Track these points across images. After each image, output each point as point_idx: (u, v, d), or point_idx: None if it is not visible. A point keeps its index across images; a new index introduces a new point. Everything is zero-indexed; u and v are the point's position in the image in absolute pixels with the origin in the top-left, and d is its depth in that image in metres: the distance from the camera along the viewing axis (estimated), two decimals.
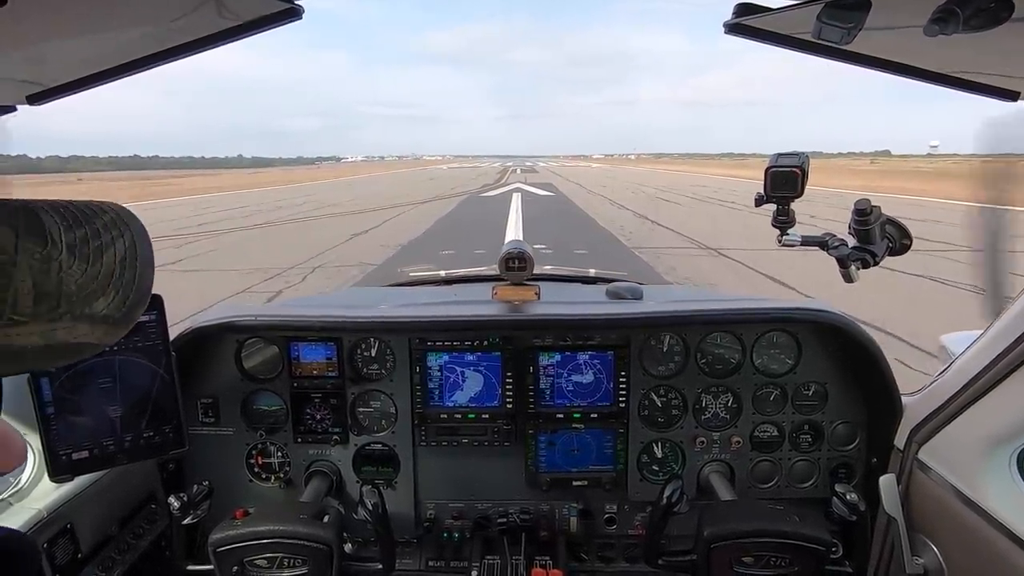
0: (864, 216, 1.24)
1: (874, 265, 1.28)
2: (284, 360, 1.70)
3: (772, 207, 1.32)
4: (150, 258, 0.43)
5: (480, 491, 1.77)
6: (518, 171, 67.95)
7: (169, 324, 1.26)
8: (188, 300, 5.99)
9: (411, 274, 2.49)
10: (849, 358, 1.66)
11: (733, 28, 0.82)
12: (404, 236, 14.55)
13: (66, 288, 0.36)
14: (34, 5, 0.67)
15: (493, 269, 1.90)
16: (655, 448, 1.73)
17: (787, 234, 1.34)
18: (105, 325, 0.39)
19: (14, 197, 0.38)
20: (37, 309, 0.35)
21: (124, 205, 0.46)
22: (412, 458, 1.75)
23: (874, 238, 1.26)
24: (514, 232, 15.11)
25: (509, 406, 1.70)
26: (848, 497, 1.46)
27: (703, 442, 1.71)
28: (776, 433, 1.72)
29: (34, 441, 1.18)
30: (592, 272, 2.36)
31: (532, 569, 1.62)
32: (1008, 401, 1.24)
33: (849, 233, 1.29)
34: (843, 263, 1.29)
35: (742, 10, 0.77)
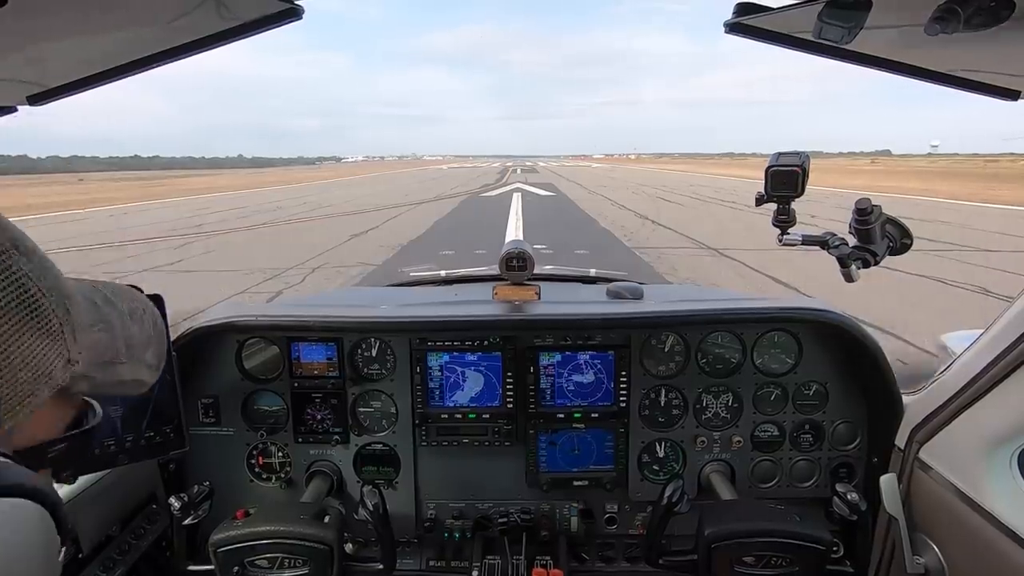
0: (865, 215, 1.24)
1: (874, 265, 1.28)
2: (285, 360, 1.70)
3: (772, 206, 1.32)
4: (165, 329, 0.62)
5: (481, 491, 1.77)
6: (518, 171, 67.95)
7: (169, 324, 1.26)
8: (188, 300, 5.99)
9: (411, 274, 2.49)
10: (850, 357, 1.66)
11: (733, 28, 0.82)
12: (404, 236, 14.55)
13: (135, 341, 0.54)
14: (34, 5, 0.67)
15: (493, 269, 1.90)
16: (656, 448, 1.73)
17: (788, 233, 1.34)
18: (151, 369, 0.57)
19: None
20: (129, 354, 0.52)
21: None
22: (413, 458, 1.75)
23: (875, 237, 1.26)
24: (514, 232, 15.11)
25: (510, 406, 1.70)
26: (849, 497, 1.46)
27: (704, 442, 1.71)
28: (777, 433, 1.72)
29: None
30: (592, 272, 2.36)
31: (533, 569, 1.62)
32: (1009, 400, 1.24)
33: (849, 232, 1.29)
34: (843, 263, 1.29)
35: (742, 10, 0.77)
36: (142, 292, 0.63)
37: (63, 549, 0.40)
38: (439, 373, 1.69)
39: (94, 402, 0.53)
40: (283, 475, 1.76)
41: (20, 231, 0.41)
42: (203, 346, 1.67)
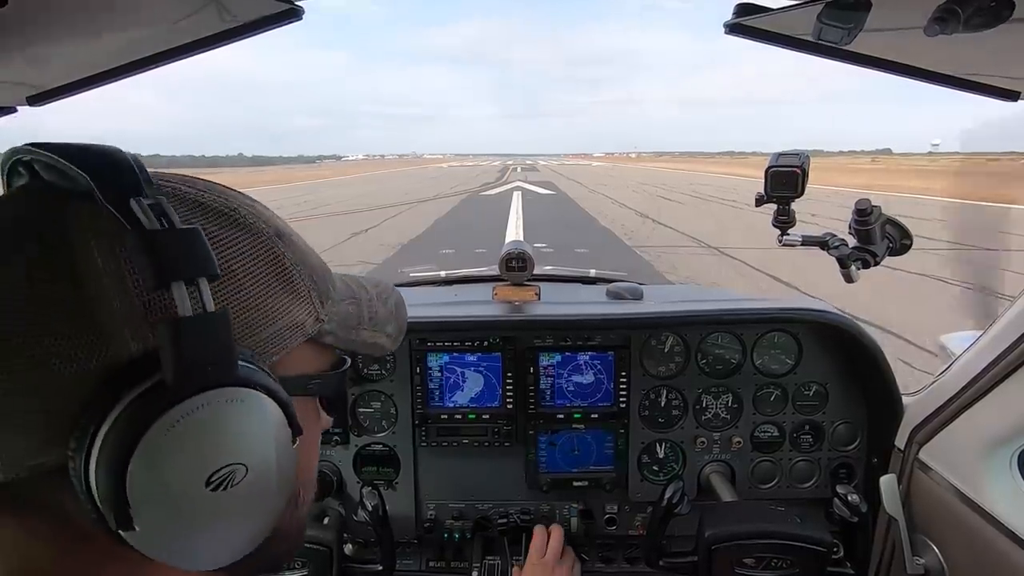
0: (864, 216, 1.24)
1: (874, 265, 1.28)
2: None
3: (772, 206, 1.32)
4: (405, 310, 0.74)
5: (480, 492, 1.77)
6: (519, 169, 67.94)
7: None
8: None
9: (411, 274, 2.48)
10: (849, 358, 1.66)
11: (733, 28, 0.82)
12: (404, 236, 14.55)
13: (377, 316, 0.67)
14: (34, 6, 0.67)
15: (493, 269, 1.90)
16: (656, 448, 1.73)
17: (787, 234, 1.34)
18: (391, 338, 0.70)
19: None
20: (370, 324, 0.66)
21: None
22: (412, 459, 1.75)
23: (874, 238, 1.26)
24: (515, 232, 15.11)
25: (509, 406, 1.70)
26: (850, 498, 1.45)
27: (704, 442, 1.71)
28: (777, 433, 1.72)
29: None
30: (592, 272, 2.35)
31: (535, 529, 1.63)
32: (1009, 401, 1.24)
33: (849, 233, 1.29)
34: (843, 263, 1.29)
35: (742, 10, 0.76)
36: (387, 282, 0.76)
37: (297, 440, 0.50)
38: (439, 373, 1.69)
39: (346, 356, 0.65)
40: None
41: (285, 225, 0.57)
42: None
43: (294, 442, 0.50)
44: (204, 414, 0.42)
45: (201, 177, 0.54)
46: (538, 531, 1.62)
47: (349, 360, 0.66)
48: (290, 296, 0.53)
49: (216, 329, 0.43)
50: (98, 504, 0.39)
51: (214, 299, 0.44)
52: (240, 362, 0.45)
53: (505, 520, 1.71)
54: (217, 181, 0.55)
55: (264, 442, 0.46)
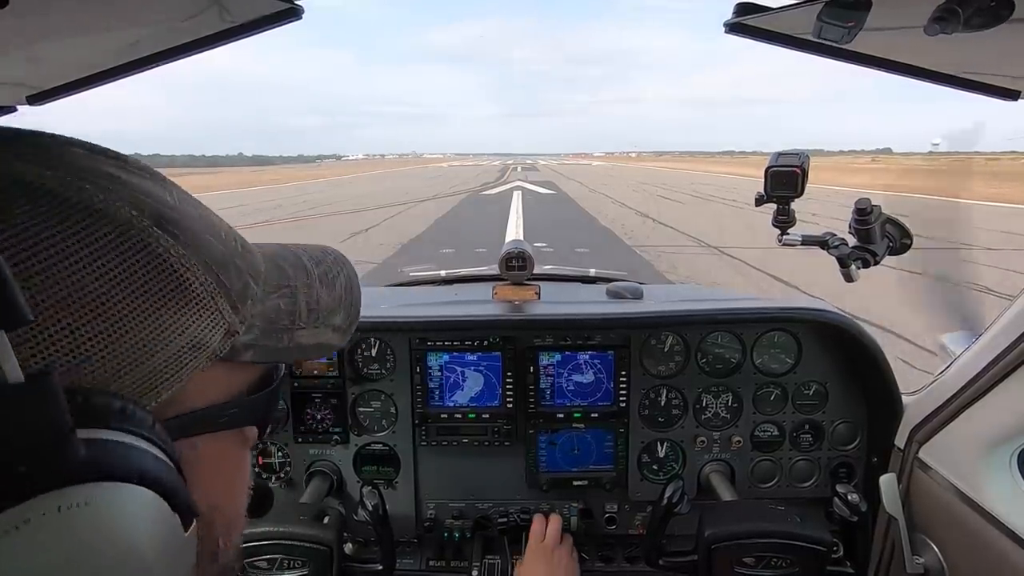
0: (864, 215, 1.24)
1: (874, 264, 1.28)
2: None
3: (771, 206, 1.32)
4: (359, 287, 0.63)
5: (480, 491, 1.77)
6: (519, 169, 67.96)
7: None
8: None
9: (411, 274, 2.49)
10: (849, 357, 1.66)
11: (733, 28, 0.82)
12: (404, 235, 14.55)
13: (321, 305, 0.54)
14: (34, 6, 0.67)
15: (493, 269, 1.90)
16: (656, 448, 1.73)
17: (787, 234, 1.34)
18: (340, 332, 0.58)
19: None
20: (309, 319, 0.53)
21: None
22: (412, 458, 1.75)
23: (874, 237, 1.26)
24: (515, 231, 15.11)
25: (509, 406, 1.70)
26: (850, 498, 1.46)
27: (703, 442, 1.71)
28: (776, 433, 1.72)
29: None
30: (592, 272, 2.35)
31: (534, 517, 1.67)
32: (1008, 401, 1.24)
33: (849, 232, 1.29)
34: (843, 263, 1.29)
35: (742, 10, 0.76)
36: (337, 252, 0.63)
37: (192, 523, 0.38)
38: (439, 373, 1.69)
39: (280, 364, 0.53)
40: (283, 475, 1.76)
41: (171, 205, 0.42)
42: None
43: (187, 527, 0.37)
44: (21, 540, 0.28)
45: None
46: (537, 519, 1.66)
47: (282, 369, 0.54)
48: (182, 307, 0.40)
49: (32, 404, 0.29)
50: None
51: (50, 338, 0.32)
52: (85, 434, 0.31)
53: (505, 519, 1.72)
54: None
55: (129, 554, 0.32)
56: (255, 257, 0.50)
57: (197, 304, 0.41)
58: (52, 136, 0.41)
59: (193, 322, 0.40)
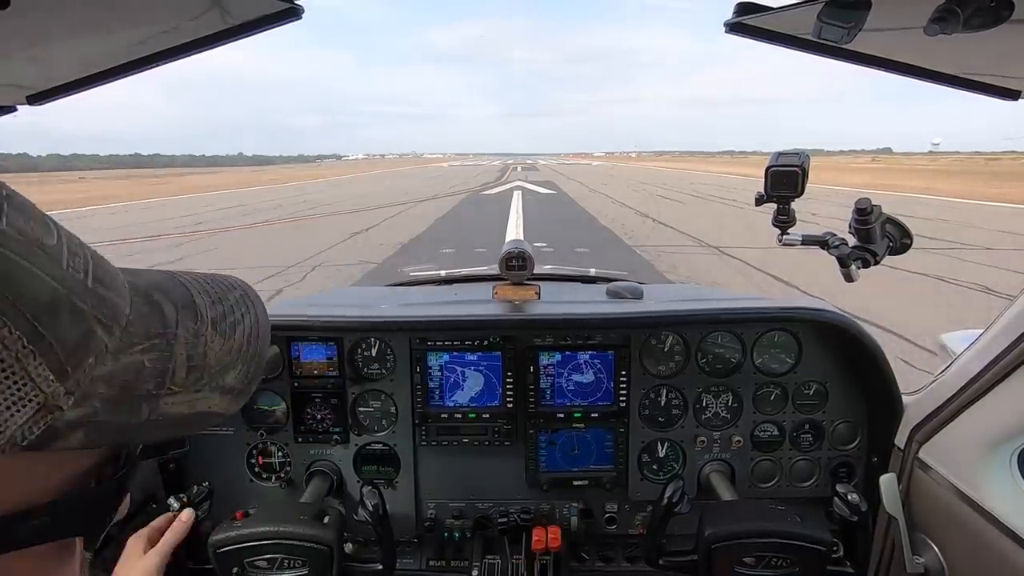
0: (864, 215, 1.24)
1: (874, 264, 1.28)
2: (285, 360, 1.70)
3: (771, 206, 1.32)
4: (268, 334, 0.48)
5: (481, 491, 1.77)
6: (519, 168, 67.98)
7: None
8: None
9: (411, 274, 2.49)
10: (849, 357, 1.66)
11: (734, 28, 0.82)
12: (405, 235, 14.56)
13: (208, 360, 0.40)
14: (35, 6, 0.67)
15: (493, 269, 1.90)
16: (656, 448, 1.73)
17: (787, 233, 1.34)
18: (231, 395, 0.43)
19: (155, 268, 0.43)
20: (187, 380, 0.39)
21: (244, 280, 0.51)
22: (413, 458, 1.75)
23: (875, 237, 1.26)
24: (515, 231, 15.11)
25: (510, 406, 1.70)
26: (850, 497, 1.46)
27: (704, 441, 1.71)
28: (777, 432, 1.72)
29: None
30: (592, 272, 2.36)
31: (534, 528, 1.64)
32: (1008, 400, 1.24)
33: (849, 232, 1.29)
34: (843, 262, 1.29)
35: (742, 9, 0.76)
36: (247, 287, 0.49)
37: None
38: (439, 373, 1.69)
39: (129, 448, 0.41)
40: (283, 475, 1.76)
41: None
42: None
43: None
44: None
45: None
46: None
47: (135, 451, 0.42)
48: None
49: None
50: None
51: None
52: None
53: (505, 519, 1.72)
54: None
55: None
56: (116, 293, 0.36)
57: None
58: None
59: None
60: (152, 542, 1.39)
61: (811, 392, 1.70)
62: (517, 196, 26.83)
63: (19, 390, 0.30)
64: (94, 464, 0.38)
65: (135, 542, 1.38)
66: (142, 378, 0.36)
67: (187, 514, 1.47)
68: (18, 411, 0.30)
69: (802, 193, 1.27)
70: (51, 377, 0.30)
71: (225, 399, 0.43)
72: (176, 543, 1.40)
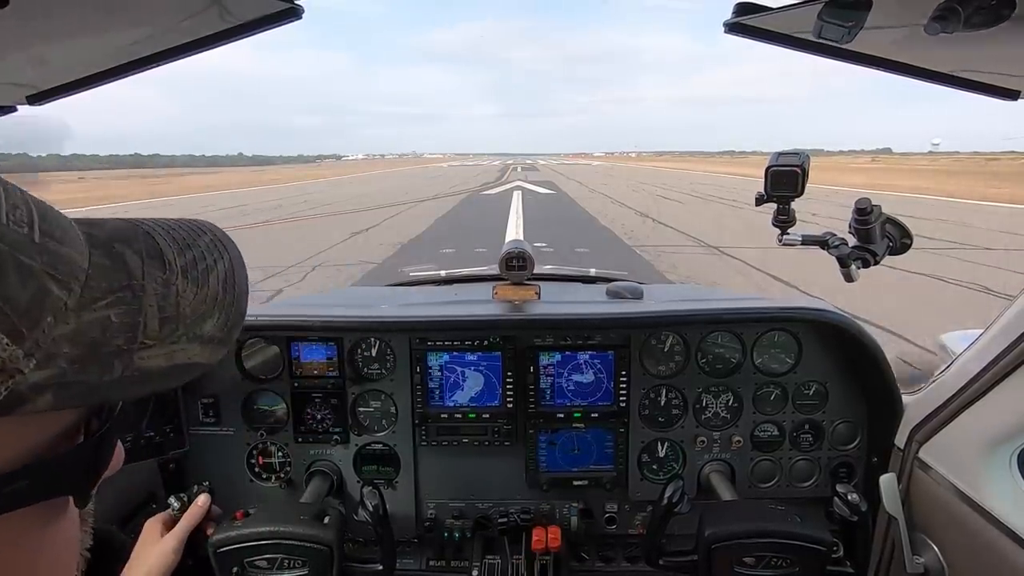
0: (864, 215, 1.24)
1: (874, 264, 1.28)
2: (285, 360, 1.70)
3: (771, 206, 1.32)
4: (245, 281, 0.45)
5: (481, 491, 1.77)
6: (519, 169, 67.98)
7: None
8: None
9: (411, 274, 2.49)
10: (849, 357, 1.66)
11: (733, 28, 0.82)
12: (405, 235, 14.56)
13: (182, 311, 0.39)
14: (35, 6, 0.67)
15: (493, 269, 1.90)
16: (656, 448, 1.73)
17: (787, 233, 1.34)
18: (212, 345, 0.41)
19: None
20: (162, 332, 0.37)
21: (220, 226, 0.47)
22: (413, 458, 1.75)
23: (874, 237, 1.26)
24: (515, 231, 15.11)
25: (510, 406, 1.70)
26: (850, 497, 1.46)
27: (704, 441, 1.71)
28: (777, 432, 1.72)
29: None
30: (592, 272, 2.36)
31: (534, 528, 1.65)
32: (1008, 400, 1.24)
33: (849, 232, 1.29)
34: (843, 262, 1.29)
35: (742, 9, 0.76)
36: (217, 230, 0.46)
37: None
38: (439, 373, 1.69)
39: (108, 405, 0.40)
40: (283, 475, 1.76)
41: None
42: None
43: None
44: None
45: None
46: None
47: (115, 409, 0.41)
48: None
49: None
50: None
51: None
52: None
53: (505, 519, 1.72)
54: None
55: None
56: (69, 247, 0.34)
57: None
58: None
59: None
60: (168, 526, 1.42)
61: (811, 392, 1.70)
62: (517, 196, 26.83)
63: None
64: (75, 422, 0.37)
65: (152, 526, 1.40)
66: (110, 334, 0.34)
67: (203, 499, 1.49)
68: None
69: (802, 193, 1.27)
70: (4, 340, 0.29)
71: (206, 349, 0.41)
72: (192, 527, 1.42)
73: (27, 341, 0.30)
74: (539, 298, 1.74)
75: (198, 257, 0.42)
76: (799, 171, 1.25)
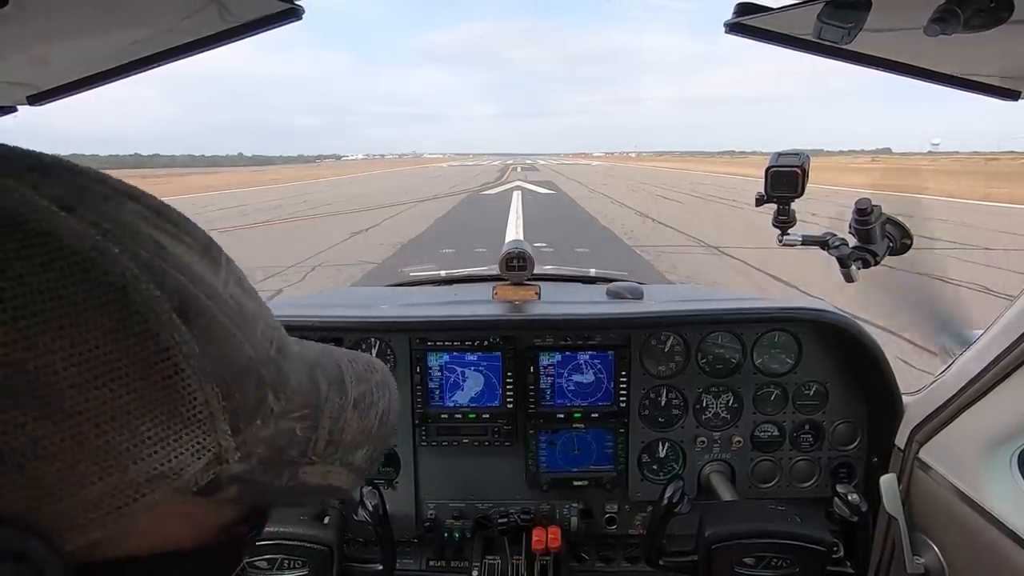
0: (865, 216, 1.24)
1: (875, 265, 1.28)
2: None
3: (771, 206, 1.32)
4: (396, 420, 0.49)
5: (481, 491, 1.77)
6: (519, 169, 67.98)
7: None
8: None
9: (411, 274, 2.49)
10: (850, 357, 1.66)
11: (733, 28, 0.82)
12: (404, 235, 14.56)
13: (344, 436, 0.42)
14: (35, 6, 0.67)
15: (493, 269, 1.90)
16: (656, 448, 1.73)
17: (787, 234, 1.34)
18: (356, 473, 0.45)
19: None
20: (325, 452, 0.41)
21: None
22: (413, 458, 1.75)
23: (875, 237, 1.26)
24: (515, 231, 15.11)
25: (510, 406, 1.70)
26: (850, 498, 1.46)
27: (704, 442, 1.71)
28: (777, 433, 1.72)
29: None
30: (592, 272, 2.36)
31: (534, 528, 1.64)
32: (1009, 401, 1.24)
33: (850, 232, 1.29)
34: (844, 263, 1.29)
35: (742, 10, 0.76)
36: (385, 370, 0.50)
37: None
38: (439, 373, 1.69)
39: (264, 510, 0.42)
40: None
41: (209, 291, 0.33)
42: None
43: None
44: None
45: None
46: None
47: (266, 516, 0.43)
48: (163, 422, 0.30)
49: None
50: None
51: None
52: None
53: (505, 520, 1.71)
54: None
55: None
56: (288, 364, 0.39)
57: (186, 420, 0.30)
58: (98, 179, 0.33)
59: (171, 443, 0.30)
60: None
61: (811, 392, 1.70)
62: (517, 196, 26.83)
63: (204, 440, 0.32)
64: (231, 520, 0.39)
65: None
66: (292, 444, 0.38)
67: None
68: (198, 459, 0.31)
69: (802, 193, 1.27)
70: (228, 432, 0.33)
71: (351, 476, 0.44)
72: None
73: (240, 437, 0.34)
74: (539, 298, 1.74)
75: (367, 392, 0.46)
76: (799, 171, 1.25)
